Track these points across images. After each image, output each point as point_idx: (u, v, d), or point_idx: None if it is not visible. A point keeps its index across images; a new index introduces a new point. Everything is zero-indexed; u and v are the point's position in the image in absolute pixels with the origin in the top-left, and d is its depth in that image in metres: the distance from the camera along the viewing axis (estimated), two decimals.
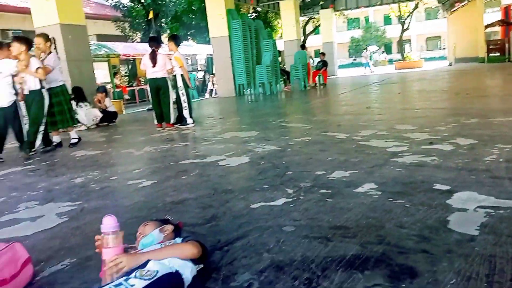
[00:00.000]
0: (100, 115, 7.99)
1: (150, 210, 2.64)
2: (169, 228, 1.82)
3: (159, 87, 6.64)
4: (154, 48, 6.61)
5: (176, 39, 6.85)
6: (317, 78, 15.49)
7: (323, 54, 17.10)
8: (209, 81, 19.15)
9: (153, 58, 6.50)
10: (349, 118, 6.21)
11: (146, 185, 3.28)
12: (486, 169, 2.88)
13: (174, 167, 3.89)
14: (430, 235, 1.90)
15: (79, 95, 7.72)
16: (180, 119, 6.80)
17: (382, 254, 1.74)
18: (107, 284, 1.41)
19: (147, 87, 7.63)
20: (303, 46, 15.75)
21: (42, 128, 5.31)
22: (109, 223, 1.56)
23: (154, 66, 6.51)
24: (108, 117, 8.19)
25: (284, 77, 15.70)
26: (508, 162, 3.01)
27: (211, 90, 18.07)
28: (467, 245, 1.77)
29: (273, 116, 7.48)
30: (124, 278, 1.42)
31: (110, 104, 8.37)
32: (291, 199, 2.58)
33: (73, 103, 7.72)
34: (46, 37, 5.62)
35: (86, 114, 7.71)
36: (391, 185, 2.71)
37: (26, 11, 17.37)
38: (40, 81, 5.22)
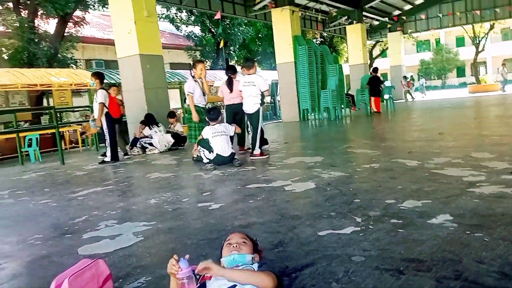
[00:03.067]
0: (172, 140, 8.42)
1: (220, 232, 2.72)
2: (258, 259, 1.83)
3: (237, 112, 6.86)
4: (230, 75, 6.91)
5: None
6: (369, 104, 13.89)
7: (374, 70, 14.44)
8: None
9: (230, 85, 6.80)
10: (420, 145, 5.96)
11: (215, 208, 3.39)
12: None
13: (241, 190, 3.98)
14: None
15: (151, 120, 8.27)
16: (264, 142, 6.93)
17: None
18: None
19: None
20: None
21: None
22: (184, 269, 1.66)
23: (231, 92, 6.80)
24: (179, 141, 8.61)
25: (349, 99, 15.30)
26: None
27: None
28: None
29: (338, 142, 7.40)
30: None
31: (181, 129, 8.82)
32: (359, 228, 2.53)
33: (147, 128, 8.29)
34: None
35: (160, 139, 8.19)
36: (469, 217, 2.56)
37: (109, 43, 19.06)
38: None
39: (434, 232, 2.34)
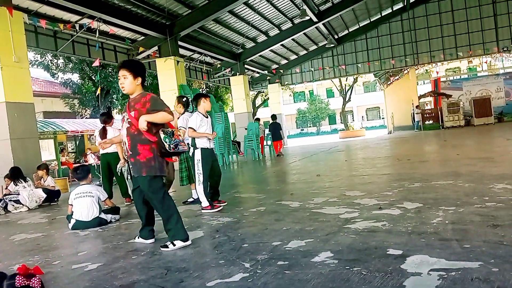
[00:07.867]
0: (44, 195, 7.53)
1: None
2: None
3: (110, 162, 6.47)
4: (105, 122, 6.55)
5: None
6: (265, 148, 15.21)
7: (273, 117, 15.88)
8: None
9: (104, 133, 6.42)
10: (301, 187, 6.31)
11: (92, 269, 3.05)
12: (434, 232, 2.98)
13: (123, 246, 3.68)
14: None
15: (18, 174, 7.33)
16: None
17: None
18: None
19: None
20: (257, 119, 16.12)
21: None
22: None
23: None
24: (51, 196, 7.77)
25: (235, 145, 15.83)
26: (453, 224, 3.14)
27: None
28: None
29: (226, 187, 7.43)
30: None
31: (53, 183, 7.97)
32: (248, 274, 2.50)
33: (12, 184, 7.32)
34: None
35: (30, 195, 7.25)
36: (347, 252, 2.72)
37: None
38: None
39: (317, 270, 2.42)
